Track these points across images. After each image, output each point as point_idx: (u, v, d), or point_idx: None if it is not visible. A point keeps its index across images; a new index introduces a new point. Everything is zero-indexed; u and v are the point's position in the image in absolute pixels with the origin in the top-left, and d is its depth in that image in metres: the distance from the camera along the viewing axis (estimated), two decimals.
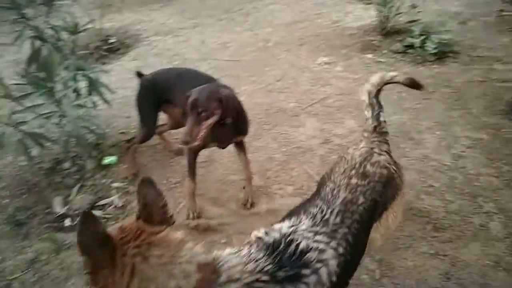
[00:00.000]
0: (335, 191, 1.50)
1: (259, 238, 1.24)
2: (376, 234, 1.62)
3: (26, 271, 2.40)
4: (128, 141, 3.05)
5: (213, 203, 2.74)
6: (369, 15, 5.29)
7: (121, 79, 4.43)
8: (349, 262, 1.31)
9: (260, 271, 1.08)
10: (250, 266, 1.08)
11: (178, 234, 1.06)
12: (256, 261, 1.12)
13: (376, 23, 4.95)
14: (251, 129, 2.72)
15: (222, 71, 4.41)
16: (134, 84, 4.38)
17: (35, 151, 2.89)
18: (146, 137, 2.95)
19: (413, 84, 2.03)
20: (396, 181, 1.66)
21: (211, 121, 2.18)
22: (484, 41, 4.41)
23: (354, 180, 1.55)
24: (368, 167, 1.62)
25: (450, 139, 3.05)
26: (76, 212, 2.77)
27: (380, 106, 1.96)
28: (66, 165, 3.13)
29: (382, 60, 4.35)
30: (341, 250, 1.28)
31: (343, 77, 4.11)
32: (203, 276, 0.97)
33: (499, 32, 4.57)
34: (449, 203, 2.48)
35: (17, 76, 2.75)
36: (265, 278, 1.07)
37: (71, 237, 2.59)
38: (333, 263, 1.23)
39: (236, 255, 1.14)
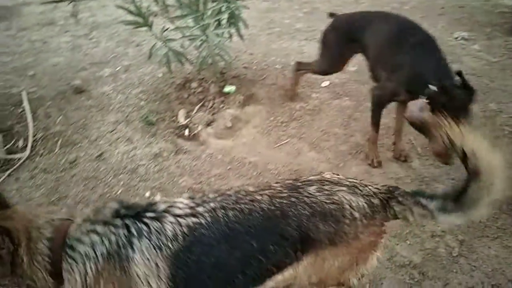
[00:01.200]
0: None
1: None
2: (301, 272, 1.38)
3: (150, 161, 2.94)
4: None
5: (312, 148, 2.94)
6: None
7: (250, 18, 4.64)
8: (213, 240, 1.25)
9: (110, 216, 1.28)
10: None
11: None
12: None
13: None
14: None
15: None
16: (262, 24, 4.67)
17: (173, 66, 3.37)
18: (326, 72, 3.18)
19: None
20: (344, 227, 1.31)
21: None
22: None
23: (274, 185, 1.39)
24: (310, 188, 1.35)
25: None
26: (196, 125, 3.23)
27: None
28: (194, 84, 3.58)
29: None
30: (202, 220, 1.26)
31: (479, 57, 3.80)
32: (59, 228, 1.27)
33: None
34: None
35: None
36: (107, 219, 1.26)
37: (188, 145, 3.06)
38: (184, 222, 1.26)
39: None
